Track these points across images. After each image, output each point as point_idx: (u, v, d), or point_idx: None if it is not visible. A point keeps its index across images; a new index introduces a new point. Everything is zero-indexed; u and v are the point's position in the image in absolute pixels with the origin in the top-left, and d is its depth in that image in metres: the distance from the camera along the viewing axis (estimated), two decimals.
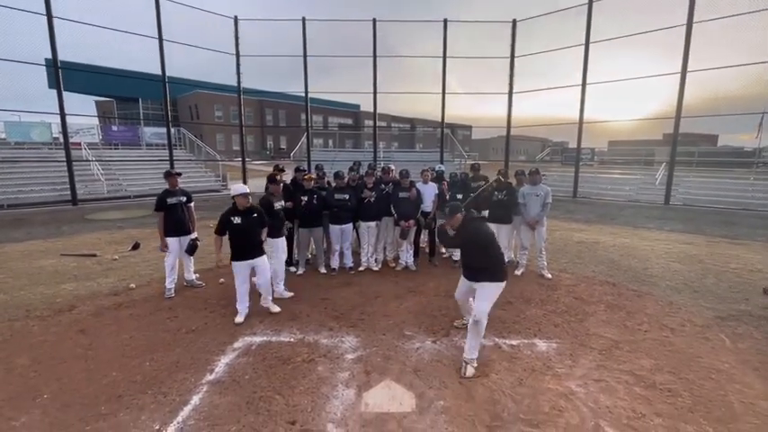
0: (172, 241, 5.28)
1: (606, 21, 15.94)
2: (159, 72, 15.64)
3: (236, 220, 4.34)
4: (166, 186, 5.42)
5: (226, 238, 4.42)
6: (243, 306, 4.52)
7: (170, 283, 5.28)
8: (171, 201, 5.29)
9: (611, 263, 6.93)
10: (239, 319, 4.44)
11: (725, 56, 13.68)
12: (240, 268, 4.42)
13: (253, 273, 4.55)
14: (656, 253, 7.70)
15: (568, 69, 16.77)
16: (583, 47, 16.12)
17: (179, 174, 5.61)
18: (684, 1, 13.62)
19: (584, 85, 16.34)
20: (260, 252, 4.55)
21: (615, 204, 15.12)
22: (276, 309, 4.73)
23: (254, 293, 4.78)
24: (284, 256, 5.35)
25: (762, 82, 13.54)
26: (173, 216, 5.28)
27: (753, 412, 2.92)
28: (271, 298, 4.79)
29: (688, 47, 13.81)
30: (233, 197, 4.40)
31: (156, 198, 5.33)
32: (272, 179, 5.35)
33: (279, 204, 5.26)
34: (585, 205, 14.99)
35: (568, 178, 18.15)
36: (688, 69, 13.94)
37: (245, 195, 4.38)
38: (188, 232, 5.45)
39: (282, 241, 5.25)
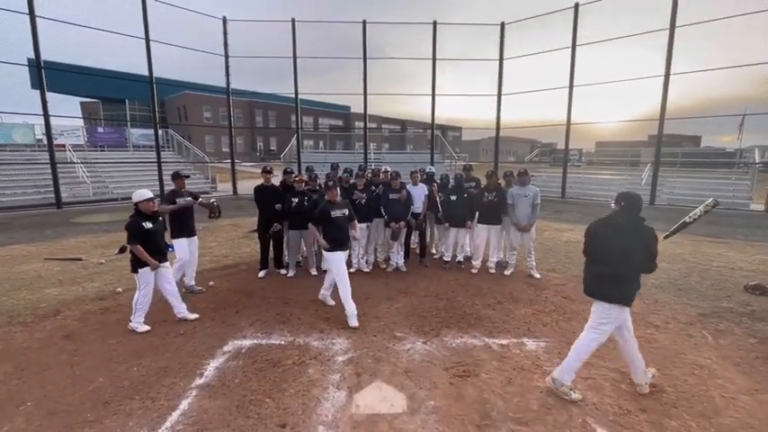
0: (182, 242, 5.21)
1: (593, 24, 16.25)
2: (146, 73, 15.43)
3: (148, 224, 4.21)
4: (172, 187, 5.29)
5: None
6: (143, 317, 4.30)
7: (191, 280, 5.33)
8: (179, 202, 5.15)
9: None
10: (144, 328, 4.24)
11: (708, 59, 14.03)
12: (150, 276, 4.25)
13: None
14: None
15: (556, 71, 17.00)
16: (570, 49, 16.38)
17: (187, 176, 5.51)
18: (668, 5, 13.95)
19: (571, 87, 16.59)
20: (165, 257, 4.44)
21: (603, 205, 15.36)
22: (194, 315, 4.56)
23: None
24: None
25: (742, 85, 13.92)
26: (182, 218, 5.19)
27: (734, 407, 3.00)
28: (185, 306, 4.58)
29: (671, 50, 14.13)
30: (136, 203, 4.25)
31: (161, 198, 5.21)
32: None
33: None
34: (574, 205, 15.23)
35: (557, 179, 18.40)
36: (671, 72, 14.26)
37: (150, 200, 4.27)
38: (195, 233, 5.38)
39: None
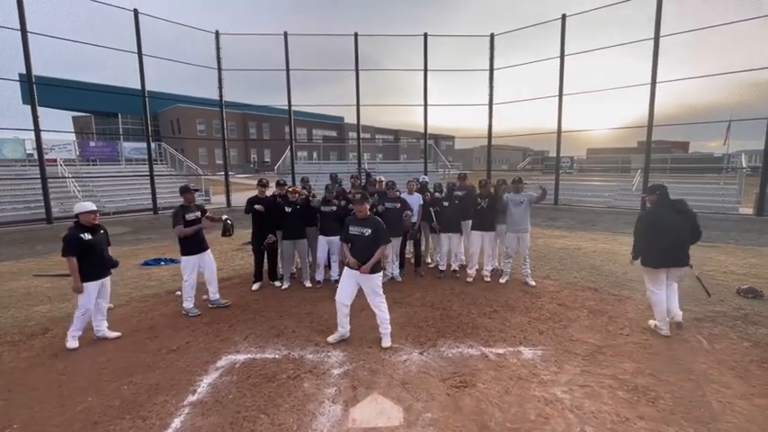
0: (192, 260, 5.05)
1: (581, 34, 16.61)
2: (139, 86, 15.44)
3: (87, 236, 4.11)
4: (181, 202, 5.17)
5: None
6: (79, 333, 4.22)
7: (191, 302, 5.11)
8: (190, 217, 5.02)
9: (593, 268, 7.08)
10: (75, 344, 4.16)
11: (693, 67, 14.38)
12: (92, 289, 4.15)
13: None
14: None
15: (547, 80, 17.29)
16: (558, 59, 16.70)
17: (197, 189, 5.41)
18: (652, 15, 14.31)
19: (560, 95, 16.86)
20: (109, 271, 4.37)
21: (595, 211, 15.51)
22: (114, 334, 4.43)
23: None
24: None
25: (727, 91, 14.26)
26: (193, 234, 5.05)
27: (731, 411, 3.00)
28: (107, 324, 4.46)
29: (656, 59, 14.45)
30: (77, 215, 4.17)
31: (171, 213, 5.07)
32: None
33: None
34: (566, 212, 15.34)
35: (549, 186, 18.56)
36: (657, 80, 14.56)
37: (92, 213, 4.21)
38: (207, 247, 5.26)
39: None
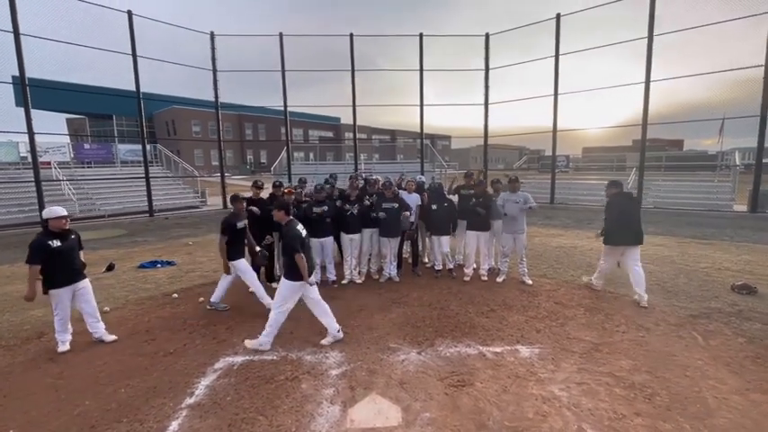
0: (242, 262, 5.21)
1: (576, 33, 16.69)
2: (133, 88, 15.37)
3: (56, 243, 4.03)
4: (232, 210, 5.27)
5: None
6: (66, 336, 4.21)
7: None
8: (240, 225, 5.13)
9: (589, 266, 7.11)
10: (64, 347, 4.16)
11: (686, 66, 14.50)
12: (62, 295, 4.10)
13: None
14: None
15: (541, 79, 17.36)
16: (553, 58, 16.78)
17: (245, 198, 5.57)
18: (645, 15, 14.41)
19: (555, 94, 16.94)
20: (82, 275, 4.29)
21: (591, 209, 15.58)
22: (112, 337, 4.40)
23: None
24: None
25: (720, 90, 14.38)
26: (239, 240, 5.19)
27: (726, 407, 3.03)
28: (103, 326, 4.44)
29: (650, 57, 14.55)
30: (46, 220, 4.11)
31: (223, 221, 5.07)
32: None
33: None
34: (562, 211, 15.42)
35: (545, 185, 18.63)
36: (651, 79, 14.66)
37: (62, 218, 4.13)
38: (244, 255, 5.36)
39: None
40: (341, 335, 4.28)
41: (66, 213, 4.23)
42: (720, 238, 9.47)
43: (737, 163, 17.49)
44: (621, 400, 3.15)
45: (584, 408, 3.04)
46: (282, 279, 4.16)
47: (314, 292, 4.25)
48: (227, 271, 5.17)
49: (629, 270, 5.30)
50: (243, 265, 5.20)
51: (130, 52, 14.93)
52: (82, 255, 4.46)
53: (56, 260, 4.03)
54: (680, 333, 4.36)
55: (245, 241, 5.34)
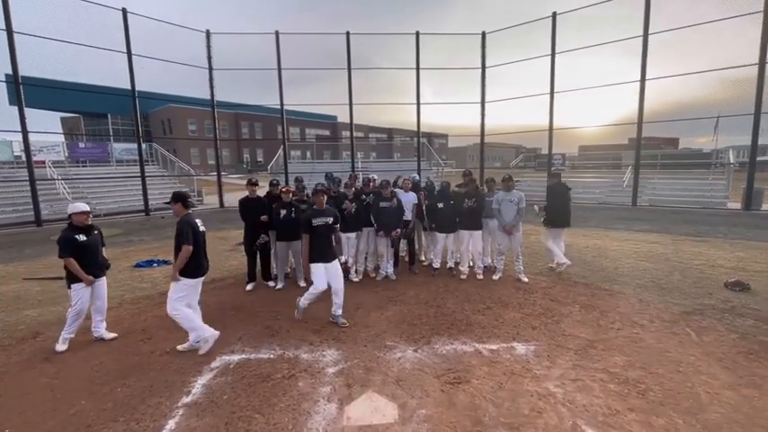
0: (319, 268, 4.60)
1: (572, 32, 16.74)
2: (129, 87, 15.28)
3: (82, 237, 4.13)
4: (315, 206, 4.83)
5: None
6: (71, 334, 4.19)
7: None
8: (317, 222, 4.61)
9: (585, 264, 7.16)
10: (64, 346, 4.13)
11: (682, 64, 14.59)
12: (85, 291, 4.15)
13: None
14: (626, 253, 8.02)
15: (538, 78, 17.41)
16: (549, 57, 16.82)
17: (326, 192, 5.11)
18: (640, 14, 14.47)
19: (552, 93, 16.99)
20: (103, 272, 4.38)
21: (587, 207, 15.66)
22: (112, 335, 4.41)
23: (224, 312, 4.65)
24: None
25: (715, 88, 14.49)
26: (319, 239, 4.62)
27: (718, 402, 3.07)
28: (105, 325, 4.44)
29: (645, 56, 14.63)
30: (70, 215, 4.18)
31: (303, 220, 4.71)
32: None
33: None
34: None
35: (542, 183, 18.68)
36: (647, 77, 14.74)
37: (84, 213, 4.19)
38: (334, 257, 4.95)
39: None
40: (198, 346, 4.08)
41: (88, 209, 4.28)
42: (714, 236, 9.55)
43: (732, 161, 17.63)
44: (615, 395, 3.18)
45: (578, 404, 3.07)
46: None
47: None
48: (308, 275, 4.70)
49: (557, 245, 6.59)
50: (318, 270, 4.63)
51: (125, 50, 14.84)
52: (104, 251, 4.48)
53: (81, 255, 4.10)
54: (674, 329, 4.40)
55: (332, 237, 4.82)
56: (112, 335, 4.43)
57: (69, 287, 4.13)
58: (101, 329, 4.40)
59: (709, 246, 8.48)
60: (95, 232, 4.35)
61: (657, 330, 4.39)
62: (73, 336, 4.22)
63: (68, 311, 4.17)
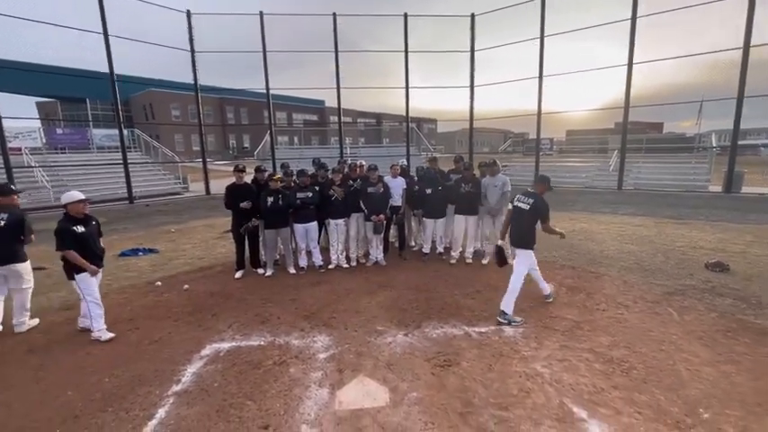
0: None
1: (561, 15, 16.61)
2: (107, 70, 14.69)
3: (80, 228, 3.96)
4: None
5: None
6: (103, 321, 4.12)
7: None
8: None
9: (571, 247, 7.28)
10: (108, 335, 4.08)
11: (668, 48, 14.66)
12: (91, 280, 4.03)
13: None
14: (612, 235, 8.18)
15: (527, 62, 17.32)
16: (538, 40, 16.71)
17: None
18: None
19: (540, 77, 16.95)
20: (101, 263, 4.24)
21: (573, 191, 15.86)
22: (109, 335, 4.11)
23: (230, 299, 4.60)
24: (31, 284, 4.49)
25: (699, 72, 14.64)
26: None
27: (698, 378, 3.18)
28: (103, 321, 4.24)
29: (633, 40, 14.64)
30: (65, 205, 3.99)
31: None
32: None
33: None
34: (547, 194, 15.60)
35: (530, 168, 18.84)
36: (634, 61, 14.79)
37: (80, 202, 4.00)
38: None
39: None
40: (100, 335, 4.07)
41: (84, 197, 4.07)
42: (696, 218, 9.79)
43: (714, 145, 17.97)
44: (600, 374, 3.27)
45: (565, 383, 3.15)
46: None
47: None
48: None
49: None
50: None
51: (101, 31, 14.22)
52: (101, 241, 4.36)
53: (80, 246, 3.93)
54: (656, 310, 4.52)
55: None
56: (110, 335, 4.26)
57: (73, 278, 3.99)
58: (87, 320, 4.30)
59: (691, 228, 8.70)
60: (93, 223, 4.19)
61: (641, 311, 4.51)
62: (104, 324, 4.10)
63: (82, 306, 4.08)
